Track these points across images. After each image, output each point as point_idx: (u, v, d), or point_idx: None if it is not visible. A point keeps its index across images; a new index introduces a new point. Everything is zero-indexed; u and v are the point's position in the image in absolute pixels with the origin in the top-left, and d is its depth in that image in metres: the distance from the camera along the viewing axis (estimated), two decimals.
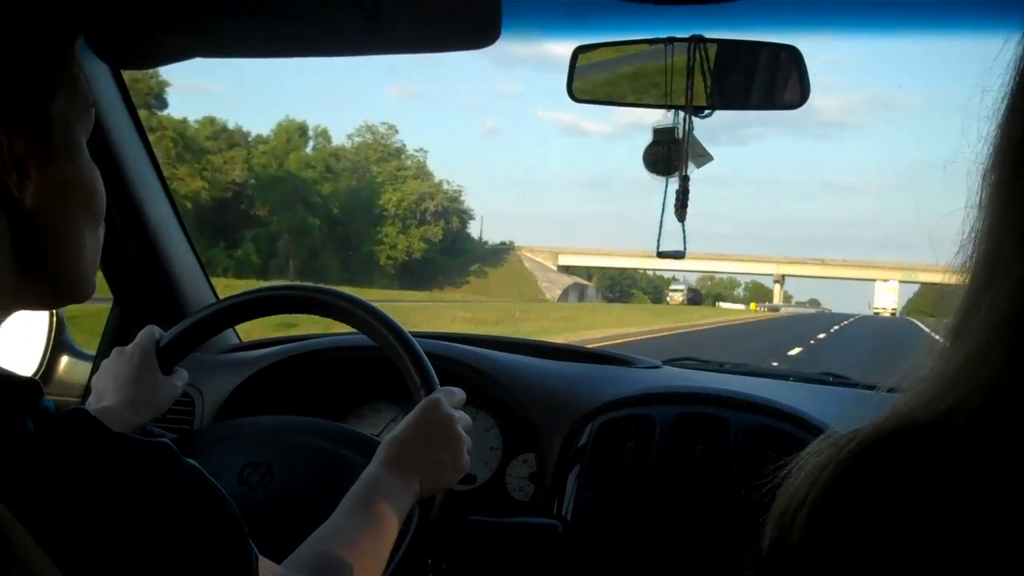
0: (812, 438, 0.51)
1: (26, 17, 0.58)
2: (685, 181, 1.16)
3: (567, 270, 77.97)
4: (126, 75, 1.46)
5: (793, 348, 18.31)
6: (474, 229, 72.16)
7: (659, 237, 1.17)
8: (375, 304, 1.15)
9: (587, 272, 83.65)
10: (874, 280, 75.01)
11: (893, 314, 66.43)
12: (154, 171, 1.53)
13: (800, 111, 1.14)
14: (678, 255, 1.18)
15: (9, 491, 0.52)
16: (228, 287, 4.99)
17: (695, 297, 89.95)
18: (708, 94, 1.13)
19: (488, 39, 0.74)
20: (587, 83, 1.20)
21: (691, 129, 1.14)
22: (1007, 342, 0.45)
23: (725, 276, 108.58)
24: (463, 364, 1.41)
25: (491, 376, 1.41)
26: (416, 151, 63.65)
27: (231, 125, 49.56)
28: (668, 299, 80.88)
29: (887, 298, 73.18)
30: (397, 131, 64.30)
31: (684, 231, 1.16)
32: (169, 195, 1.58)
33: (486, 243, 74.20)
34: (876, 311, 70.53)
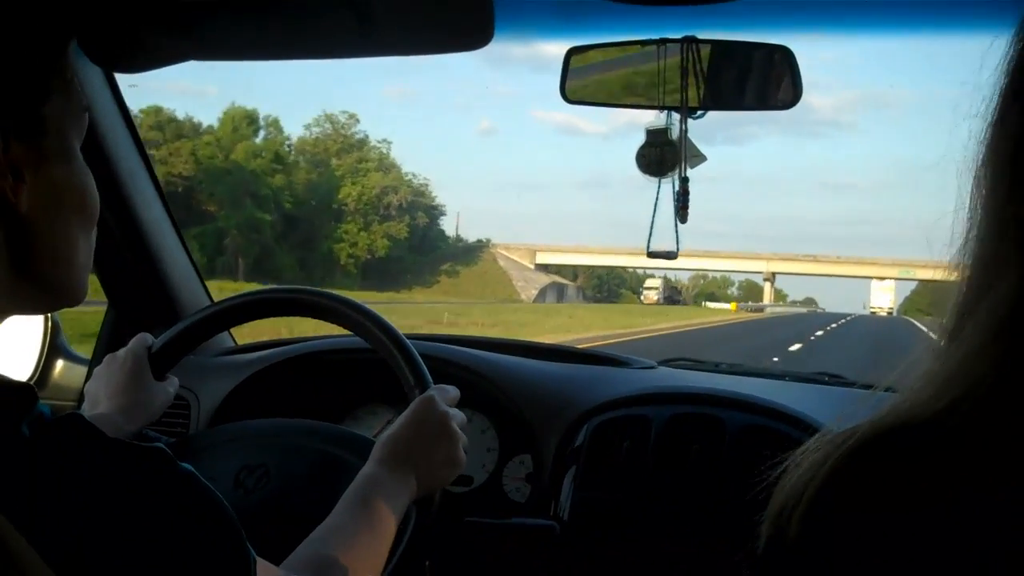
0: (807, 437, 0.51)
1: (20, 21, 0.58)
2: (685, 183, 1.14)
3: (545, 268, 72.93)
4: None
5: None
6: (449, 226, 68.23)
7: (650, 237, 1.17)
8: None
9: (572, 271, 79.51)
10: (870, 278, 74.92)
11: (890, 313, 66.48)
12: (148, 175, 1.53)
13: (794, 110, 1.13)
14: (670, 255, 1.17)
15: (5, 496, 0.52)
16: None
17: (672, 296, 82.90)
18: (701, 95, 1.13)
19: (481, 41, 0.74)
20: (580, 84, 1.19)
21: (686, 130, 1.13)
22: (1003, 343, 0.45)
23: (718, 275, 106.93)
24: (459, 366, 1.41)
25: (487, 378, 1.41)
26: (379, 142, 58.98)
27: (180, 115, 45.83)
28: (642, 298, 75.08)
29: (883, 297, 73.17)
30: (359, 120, 59.43)
31: (677, 231, 1.15)
32: (163, 198, 1.58)
33: (461, 240, 69.96)
34: (872, 311, 70.52)
